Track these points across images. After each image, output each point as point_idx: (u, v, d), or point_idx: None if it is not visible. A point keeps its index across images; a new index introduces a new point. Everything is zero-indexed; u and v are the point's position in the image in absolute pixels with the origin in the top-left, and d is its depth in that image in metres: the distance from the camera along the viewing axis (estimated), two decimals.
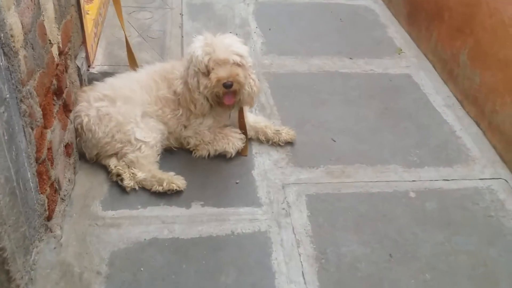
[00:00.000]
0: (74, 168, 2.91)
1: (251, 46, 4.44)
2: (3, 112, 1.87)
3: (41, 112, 2.30)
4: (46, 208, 2.36)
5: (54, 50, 2.55)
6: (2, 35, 1.85)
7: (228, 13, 4.97)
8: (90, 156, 3.00)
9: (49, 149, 2.42)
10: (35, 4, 2.25)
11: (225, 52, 2.85)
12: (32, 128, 2.17)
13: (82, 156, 3.04)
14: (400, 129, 3.57)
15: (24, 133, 2.09)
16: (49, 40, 2.47)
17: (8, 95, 1.91)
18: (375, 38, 4.73)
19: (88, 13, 3.55)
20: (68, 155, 2.81)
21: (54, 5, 2.57)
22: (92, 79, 3.33)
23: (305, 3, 5.27)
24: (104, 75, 3.32)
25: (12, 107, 1.95)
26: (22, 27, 2.07)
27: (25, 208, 2.09)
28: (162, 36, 3.79)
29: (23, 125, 2.07)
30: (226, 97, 2.93)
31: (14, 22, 1.96)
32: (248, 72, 2.96)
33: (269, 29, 4.74)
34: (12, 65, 1.96)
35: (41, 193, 2.31)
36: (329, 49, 4.49)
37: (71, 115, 2.89)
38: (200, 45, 2.89)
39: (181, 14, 4.24)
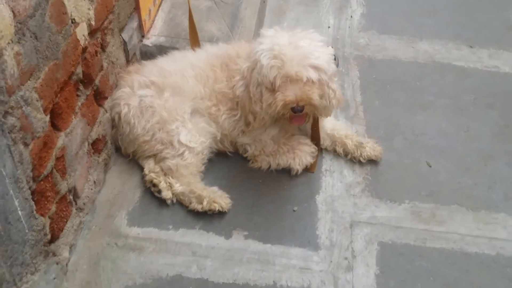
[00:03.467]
0: (106, 165, 2.47)
1: (347, 17, 3.65)
2: None
3: (46, 119, 1.80)
4: (47, 231, 1.93)
5: (81, 31, 2.02)
6: None
7: None
8: (125, 152, 2.54)
9: (60, 158, 1.95)
10: None
11: (298, 66, 2.17)
12: (25, 144, 1.69)
13: (119, 149, 2.57)
14: None
15: (11, 153, 1.61)
16: (72, 19, 1.93)
17: None
18: (508, 22, 3.72)
19: None
20: (97, 151, 2.35)
21: None
22: (146, 52, 2.80)
23: None
24: (160, 49, 2.77)
25: None
26: (14, 15, 1.54)
27: (5, 247, 1.66)
28: (237, 1, 3.13)
29: (8, 144, 1.59)
30: (295, 119, 2.30)
31: None
32: (326, 86, 2.27)
33: None
34: None
35: (41, 215, 1.87)
36: (445, 31, 3.59)
37: (107, 103, 2.41)
38: (266, 52, 2.22)
39: None
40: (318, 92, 2.23)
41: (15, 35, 1.56)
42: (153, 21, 2.90)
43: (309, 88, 2.20)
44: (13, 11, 1.53)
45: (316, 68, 2.20)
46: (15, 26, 1.55)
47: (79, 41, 2.01)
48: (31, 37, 1.65)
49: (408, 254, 2.28)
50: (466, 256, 2.28)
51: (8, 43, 1.52)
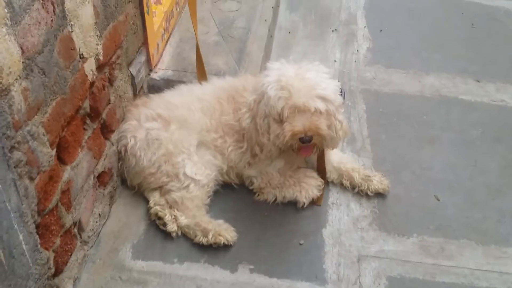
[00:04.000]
0: (111, 198, 2.46)
1: (353, 51, 3.68)
2: None
3: (52, 153, 1.81)
4: (51, 264, 1.91)
5: (89, 66, 2.05)
6: None
7: (334, 5, 4.22)
8: (131, 184, 2.53)
9: (65, 191, 1.96)
10: (55, 14, 1.74)
11: (305, 97, 2.19)
12: (31, 178, 1.70)
13: (124, 181, 2.57)
14: None
15: (16, 187, 1.62)
16: (81, 55, 1.97)
17: None
18: None
19: (160, 3, 3.04)
20: (103, 184, 2.35)
21: (96, 8, 2.06)
22: (153, 85, 2.83)
23: None
24: (167, 83, 2.80)
25: None
26: (23, 52, 1.56)
27: (9, 281, 1.64)
28: (243, 37, 3.17)
29: (14, 178, 1.60)
30: (303, 150, 2.30)
31: (3, 50, 1.46)
32: (333, 117, 2.28)
33: (380, 31, 3.94)
34: None
35: (45, 248, 1.86)
36: (452, 65, 3.61)
37: (114, 136, 2.42)
38: (273, 84, 2.24)
39: (274, 7, 3.58)
40: (325, 123, 2.23)
41: (23, 71, 1.58)
42: (161, 55, 2.95)
43: (316, 118, 2.21)
44: (21, 48, 1.55)
45: (323, 99, 2.21)
46: (23, 62, 1.57)
47: (87, 76, 2.04)
48: (39, 72, 1.68)
49: None
50: None
51: (16, 79, 1.54)
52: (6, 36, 1.46)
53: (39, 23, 1.64)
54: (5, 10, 1.45)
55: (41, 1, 1.64)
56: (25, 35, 1.57)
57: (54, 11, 1.73)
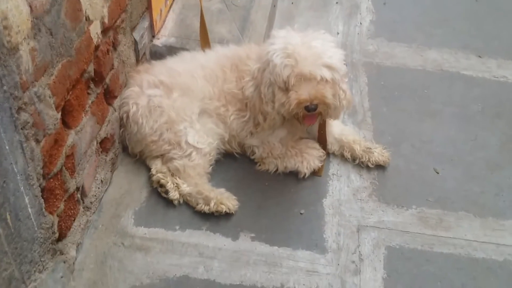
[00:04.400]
0: (113, 164, 2.46)
1: (356, 24, 3.66)
2: None
3: (57, 116, 1.80)
4: (56, 229, 1.92)
5: (94, 29, 2.03)
6: None
7: None
8: (132, 152, 2.53)
9: (69, 156, 1.95)
10: None
11: (312, 65, 2.17)
12: (37, 140, 1.69)
13: (126, 148, 2.57)
14: None
15: (23, 150, 1.61)
16: (87, 17, 1.94)
17: None
18: None
19: None
20: (105, 150, 2.35)
21: None
22: (156, 52, 2.80)
23: None
24: (170, 49, 2.78)
25: (0, 123, 1.46)
26: (31, 10, 1.54)
27: (15, 244, 1.65)
28: (248, 5, 3.13)
29: (20, 140, 1.59)
30: (307, 118, 2.30)
31: (13, 7, 1.44)
32: (338, 86, 2.27)
33: (384, 4, 3.91)
34: (6, 67, 1.45)
35: (50, 212, 1.86)
36: (454, 40, 3.59)
37: (117, 102, 2.41)
38: (279, 51, 2.22)
39: None
40: (331, 91, 2.23)
41: (31, 30, 1.56)
42: (164, 21, 2.91)
43: (322, 87, 2.20)
44: (30, 6, 1.53)
45: (330, 67, 2.21)
46: (31, 21, 1.55)
47: (92, 39, 2.01)
48: (46, 33, 1.65)
49: (415, 258, 2.27)
50: (473, 262, 2.27)
51: (24, 38, 1.52)
52: None
53: None
54: None
55: None
56: None
57: None
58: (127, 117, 2.44)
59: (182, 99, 2.43)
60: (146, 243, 2.24)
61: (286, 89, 2.22)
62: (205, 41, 2.79)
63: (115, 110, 2.41)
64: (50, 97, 1.74)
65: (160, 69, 2.52)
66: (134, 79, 2.49)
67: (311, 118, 2.31)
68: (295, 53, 2.19)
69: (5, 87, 1.47)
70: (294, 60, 2.18)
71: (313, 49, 2.21)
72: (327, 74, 2.19)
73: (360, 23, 3.68)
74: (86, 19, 1.94)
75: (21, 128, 1.59)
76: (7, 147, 1.52)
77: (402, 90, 3.15)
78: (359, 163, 2.64)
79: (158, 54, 2.77)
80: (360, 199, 2.50)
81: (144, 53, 2.71)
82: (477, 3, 4.02)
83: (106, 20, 2.13)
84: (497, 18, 3.85)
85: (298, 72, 2.17)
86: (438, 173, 2.66)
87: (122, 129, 2.49)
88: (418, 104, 3.07)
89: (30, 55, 1.58)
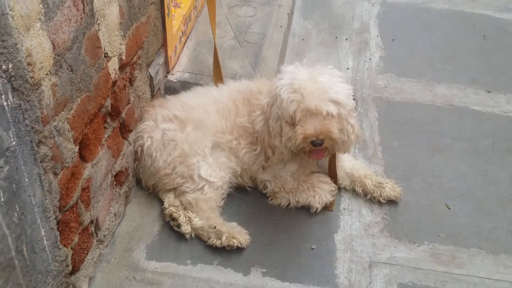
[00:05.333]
0: (127, 197, 2.49)
1: (366, 59, 3.71)
2: (2, 167, 1.42)
3: (75, 149, 1.84)
4: (70, 262, 1.94)
5: (112, 65, 2.08)
6: (11, 65, 1.39)
7: (347, 13, 4.25)
8: (146, 185, 2.56)
9: (85, 188, 1.98)
10: (85, 12, 1.77)
11: (317, 100, 2.20)
12: (55, 173, 1.73)
13: (139, 182, 2.60)
14: None
15: (41, 182, 1.64)
16: (105, 53, 2.00)
17: (14, 143, 1.46)
18: None
19: (179, 7, 3.07)
20: (119, 184, 2.38)
21: (121, 8, 2.10)
22: (170, 87, 2.86)
23: (443, 10, 4.38)
24: (183, 85, 2.83)
25: (20, 156, 1.50)
26: (54, 48, 1.60)
27: (30, 277, 1.67)
28: (259, 42, 3.21)
29: (39, 173, 1.62)
30: (314, 153, 2.32)
31: (37, 44, 1.50)
32: (345, 120, 2.30)
33: (393, 40, 3.97)
34: (28, 101, 1.50)
35: (64, 245, 1.88)
36: (463, 76, 3.63)
37: (131, 136, 2.45)
38: (286, 86, 2.26)
39: (289, 14, 3.61)
40: (337, 126, 2.25)
41: (53, 66, 1.61)
42: (178, 57, 2.98)
43: (328, 122, 2.23)
44: (53, 43, 1.59)
45: (336, 102, 2.24)
46: (54, 58, 1.61)
47: (110, 74, 2.07)
48: (67, 69, 1.71)
49: None
50: None
51: (47, 74, 1.58)
52: (40, 31, 1.50)
53: (70, 20, 1.68)
54: (40, 6, 1.48)
55: None
56: (57, 31, 1.60)
57: (83, 9, 1.76)
58: (142, 150, 2.47)
59: (195, 133, 2.46)
60: (157, 277, 2.24)
61: (293, 123, 2.25)
62: (218, 76, 2.85)
63: (130, 144, 2.45)
64: (69, 131, 1.78)
65: (175, 104, 2.56)
66: (149, 113, 2.54)
67: (318, 152, 2.33)
68: (301, 88, 2.22)
69: (26, 121, 1.51)
70: (300, 95, 2.21)
71: (320, 84, 2.24)
72: (333, 109, 2.22)
73: (370, 59, 3.73)
74: (105, 56, 2.00)
75: (41, 161, 1.63)
76: (26, 180, 1.56)
77: (412, 125, 3.18)
78: (370, 198, 2.65)
79: (172, 89, 2.83)
80: (372, 235, 2.50)
81: (159, 88, 2.77)
82: (485, 40, 4.07)
83: (123, 57, 2.19)
84: (505, 55, 3.89)
85: (304, 107, 2.20)
86: (449, 208, 2.66)
87: (136, 163, 2.52)
88: (429, 139, 3.09)
89: (52, 91, 1.63)
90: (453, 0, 4.53)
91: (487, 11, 4.43)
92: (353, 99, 2.43)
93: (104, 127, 2.14)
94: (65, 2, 1.64)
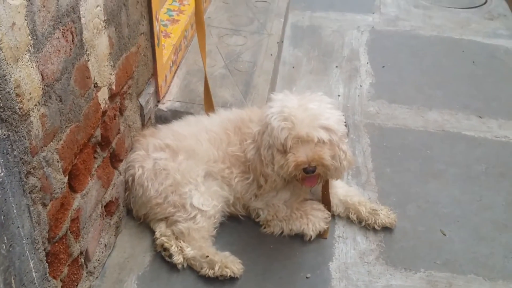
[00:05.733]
0: (117, 228, 2.45)
1: (356, 86, 3.73)
2: None
3: (65, 180, 1.82)
4: None
5: (102, 95, 2.07)
6: None
7: (337, 41, 4.29)
8: (137, 215, 2.52)
9: (74, 219, 1.95)
10: (74, 43, 1.77)
11: (308, 127, 2.20)
12: (44, 204, 1.70)
13: (130, 211, 2.56)
14: None
15: (30, 214, 1.61)
16: (95, 84, 1.99)
17: (2, 174, 1.44)
18: None
19: (169, 37, 3.09)
20: (109, 214, 2.34)
21: (111, 39, 2.10)
22: (161, 116, 2.85)
23: (432, 37, 4.44)
24: (174, 114, 2.83)
25: (9, 187, 1.47)
26: (43, 78, 1.59)
27: None
28: (250, 70, 3.22)
29: (28, 204, 1.59)
30: (307, 180, 2.30)
31: (25, 76, 1.48)
32: (337, 147, 2.29)
33: (383, 67, 4.00)
34: (17, 132, 1.48)
35: (53, 277, 1.84)
36: (454, 102, 3.65)
37: (122, 165, 2.43)
38: (276, 115, 2.26)
39: (279, 42, 3.64)
40: (329, 153, 2.24)
41: (42, 97, 1.60)
42: (169, 87, 2.98)
43: (320, 148, 2.21)
44: (41, 74, 1.58)
45: (326, 129, 2.23)
46: (42, 88, 1.59)
47: (100, 104, 2.06)
48: (56, 99, 1.70)
49: None
50: None
51: (35, 105, 1.56)
52: (28, 62, 1.49)
53: (59, 51, 1.67)
54: (29, 37, 1.48)
55: (62, 30, 1.67)
56: (46, 62, 1.59)
57: (73, 40, 1.76)
58: (133, 180, 2.45)
59: (187, 162, 2.44)
60: None
61: (284, 151, 2.24)
62: (209, 105, 2.85)
63: (121, 174, 2.42)
64: (58, 161, 1.76)
65: (166, 133, 2.55)
66: (140, 143, 2.52)
67: (311, 180, 2.32)
68: (291, 115, 2.21)
69: (15, 152, 1.49)
70: (291, 123, 2.20)
71: (310, 111, 2.24)
72: (324, 135, 2.21)
73: (361, 86, 3.75)
74: (94, 86, 1.99)
75: (29, 192, 1.60)
76: (15, 211, 1.53)
77: (405, 151, 3.18)
78: (365, 225, 2.62)
79: (163, 118, 2.82)
80: (367, 262, 2.46)
81: (150, 118, 2.76)
82: (475, 65, 4.11)
83: (113, 87, 2.18)
84: (495, 80, 3.93)
85: (295, 134, 2.19)
86: (445, 235, 2.63)
87: (127, 192, 2.49)
88: (422, 165, 3.08)
89: (41, 121, 1.61)
90: (441, 27, 4.60)
91: (476, 37, 4.49)
92: (345, 125, 2.43)
93: (94, 157, 2.11)
94: (54, 33, 1.64)
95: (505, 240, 2.62)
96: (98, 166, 2.14)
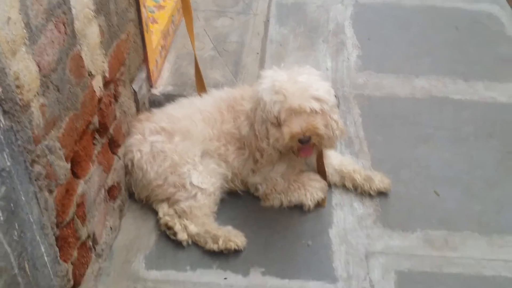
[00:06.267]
0: (121, 211, 2.51)
1: (344, 59, 3.79)
2: None
3: (67, 166, 1.88)
4: (70, 277, 1.96)
5: (97, 83, 2.12)
6: (0, 89, 1.43)
7: (322, 16, 4.32)
8: (139, 198, 2.59)
9: (80, 204, 2.01)
10: (66, 33, 1.82)
11: (300, 98, 2.26)
12: (50, 191, 1.76)
13: (132, 195, 2.62)
14: None
15: (37, 200, 1.67)
16: (89, 72, 2.04)
17: (9, 163, 1.49)
18: (499, 55, 3.86)
19: (157, 23, 3.13)
20: (112, 198, 2.41)
21: (101, 28, 2.14)
22: (154, 101, 2.90)
23: (415, 6, 4.47)
24: (167, 97, 2.87)
25: (16, 176, 1.53)
26: (40, 70, 1.64)
27: None
28: (238, 50, 3.27)
29: (35, 191, 1.65)
30: (302, 151, 2.37)
31: (24, 67, 1.53)
32: (329, 116, 2.36)
33: (368, 39, 4.05)
34: (19, 122, 1.54)
35: (64, 261, 1.91)
36: (440, 67, 3.72)
37: (121, 150, 2.49)
38: (268, 90, 2.33)
39: (265, 21, 3.68)
40: (322, 122, 2.31)
41: (40, 88, 1.65)
42: (160, 71, 3.03)
43: (313, 118, 2.28)
44: (38, 66, 1.63)
45: (317, 99, 2.29)
46: (40, 79, 1.64)
47: (95, 92, 2.11)
48: (54, 89, 1.75)
49: (425, 281, 2.30)
50: (484, 280, 2.32)
51: (35, 95, 1.62)
52: (25, 55, 1.54)
53: (53, 42, 1.72)
54: (24, 30, 1.52)
55: (54, 22, 1.72)
56: (41, 54, 1.64)
57: (65, 31, 1.80)
58: (132, 164, 2.51)
59: (183, 143, 2.51)
60: (158, 285, 2.27)
61: (278, 124, 2.31)
62: (201, 87, 2.90)
63: (120, 158, 2.48)
64: (60, 149, 1.81)
65: (161, 116, 2.61)
66: (136, 127, 2.58)
67: (306, 150, 2.38)
68: (282, 89, 2.28)
69: (19, 142, 1.55)
70: (282, 96, 2.27)
71: (300, 84, 2.31)
72: (316, 105, 2.27)
73: (348, 58, 3.80)
74: (88, 74, 2.04)
75: (35, 180, 1.66)
76: (23, 198, 1.59)
77: (395, 119, 3.25)
78: (361, 192, 2.70)
79: (157, 103, 2.87)
80: (365, 226, 2.55)
81: (144, 103, 2.81)
82: (458, 31, 4.17)
83: (107, 74, 2.23)
84: (478, 44, 3.98)
85: (288, 107, 2.26)
86: (438, 195, 2.72)
87: (127, 177, 2.55)
88: (412, 131, 3.15)
89: (40, 111, 1.66)
90: None
91: (457, 3, 4.54)
92: (335, 97, 2.49)
93: (94, 144, 2.17)
94: (47, 26, 1.69)
95: (497, 196, 2.71)
96: (98, 152, 2.20)
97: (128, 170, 2.54)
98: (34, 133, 1.63)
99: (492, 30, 4.19)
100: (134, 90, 2.64)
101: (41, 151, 1.68)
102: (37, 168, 1.67)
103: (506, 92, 3.47)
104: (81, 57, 1.96)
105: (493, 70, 3.69)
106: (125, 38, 2.48)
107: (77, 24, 1.92)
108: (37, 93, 1.64)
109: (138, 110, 2.70)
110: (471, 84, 3.56)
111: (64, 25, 1.81)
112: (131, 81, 2.62)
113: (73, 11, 1.89)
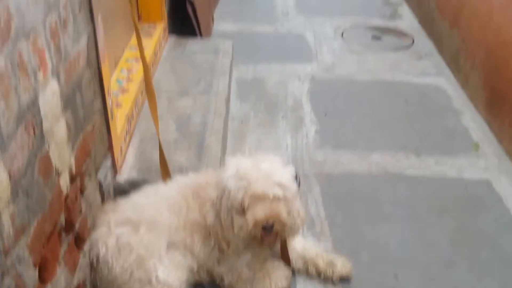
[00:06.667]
0: None
1: (303, 136, 3.93)
2: None
3: (36, 274, 1.86)
4: None
5: (63, 181, 2.13)
6: None
7: (280, 92, 4.50)
8: None
9: None
10: (35, 135, 1.84)
11: (263, 185, 2.34)
12: None
13: None
14: (479, 264, 2.91)
15: None
16: (56, 170, 2.05)
17: None
18: (447, 129, 4.11)
19: (121, 106, 3.18)
20: None
21: (68, 123, 2.17)
22: (119, 188, 2.90)
23: (367, 81, 4.73)
24: (132, 184, 2.88)
25: None
26: (10, 178, 1.64)
27: None
28: (201, 131, 3.34)
29: None
30: (266, 238, 2.43)
31: None
32: (291, 203, 2.44)
33: (325, 115, 4.23)
34: None
35: None
36: (393, 142, 3.91)
37: (86, 246, 2.46)
38: (232, 177, 2.41)
39: (226, 99, 3.79)
40: (285, 209, 2.37)
41: (11, 195, 1.65)
42: (124, 157, 3.05)
43: (276, 205, 2.34)
44: (9, 174, 1.63)
45: (281, 185, 2.37)
46: (11, 187, 1.64)
47: (62, 190, 2.11)
48: (23, 195, 1.74)
49: None
50: None
51: (5, 205, 1.61)
52: None
53: (23, 147, 1.73)
54: None
55: (24, 126, 1.74)
56: (12, 161, 1.65)
57: (34, 133, 1.82)
58: (97, 260, 2.48)
59: (149, 235, 2.50)
60: None
61: (242, 211, 2.36)
62: (165, 172, 2.93)
63: (85, 255, 2.45)
64: (28, 256, 1.80)
65: (126, 206, 2.61)
66: (101, 219, 2.56)
67: (269, 237, 2.43)
68: (247, 175, 2.36)
69: None
70: (246, 182, 2.34)
71: (263, 170, 2.39)
72: (279, 192, 2.34)
73: (307, 135, 3.94)
74: (56, 173, 2.05)
75: None
76: None
77: (353, 197, 3.37)
78: (324, 278, 2.75)
79: (121, 191, 2.86)
80: None
81: (109, 191, 2.81)
82: (408, 104, 4.41)
83: (73, 169, 2.23)
84: (427, 116, 4.23)
85: (252, 193, 2.32)
86: (397, 280, 2.79)
87: (92, 273, 2.51)
88: (370, 209, 3.27)
89: (11, 220, 1.65)
90: (375, 70, 4.92)
91: (407, 77, 4.83)
92: (296, 177, 2.58)
93: (60, 243, 2.15)
94: (17, 131, 1.70)
95: (454, 277, 2.80)
96: (64, 252, 2.18)
97: (93, 267, 2.50)
98: (4, 245, 1.62)
99: (439, 103, 4.47)
100: (99, 180, 2.64)
101: (10, 262, 1.66)
102: (7, 280, 1.64)
103: (454, 166, 3.67)
104: (48, 157, 1.97)
105: (442, 144, 3.92)
106: (91, 130, 2.50)
107: (45, 124, 1.93)
108: (8, 202, 1.64)
109: (103, 200, 2.70)
110: (423, 158, 3.75)
111: (33, 127, 1.83)
112: (96, 170, 2.63)
113: (42, 112, 1.91)
